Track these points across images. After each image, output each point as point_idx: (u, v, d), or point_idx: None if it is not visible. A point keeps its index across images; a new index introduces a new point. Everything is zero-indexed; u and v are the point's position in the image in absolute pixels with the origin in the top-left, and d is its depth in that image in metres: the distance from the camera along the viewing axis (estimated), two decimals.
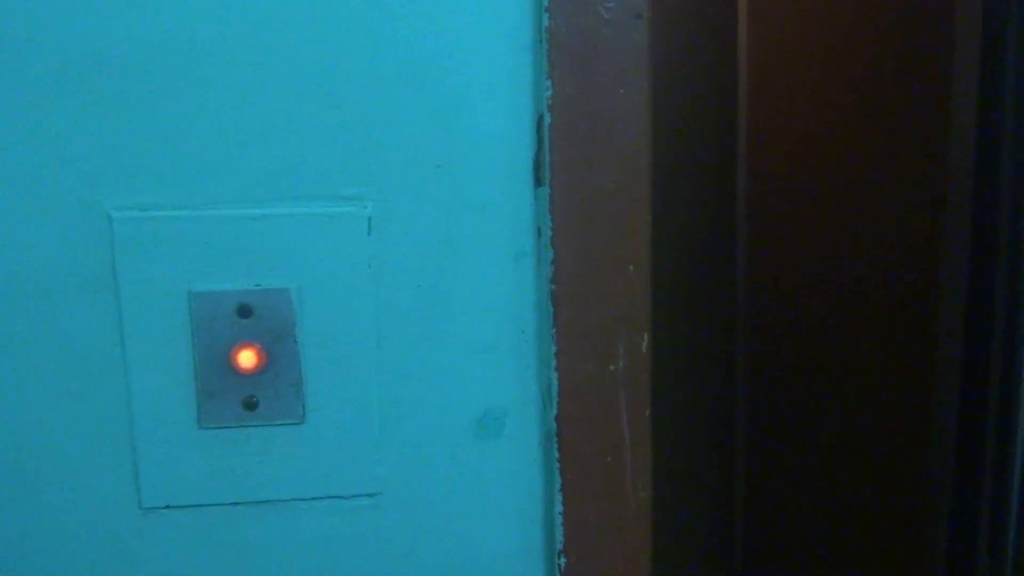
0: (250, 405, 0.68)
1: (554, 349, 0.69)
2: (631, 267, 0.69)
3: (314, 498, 0.71)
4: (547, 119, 0.67)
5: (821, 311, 2.14)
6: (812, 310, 2.17)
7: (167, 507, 0.70)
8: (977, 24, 1.55)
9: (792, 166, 2.17)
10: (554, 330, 0.69)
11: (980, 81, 1.59)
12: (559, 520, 0.72)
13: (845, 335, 2.08)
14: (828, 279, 2.11)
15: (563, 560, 0.72)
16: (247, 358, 0.68)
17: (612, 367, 0.70)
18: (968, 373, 1.71)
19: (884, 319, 1.97)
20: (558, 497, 0.71)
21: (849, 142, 2.00)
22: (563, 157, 0.67)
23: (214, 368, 0.68)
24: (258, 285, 0.67)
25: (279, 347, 0.68)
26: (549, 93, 0.66)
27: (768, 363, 2.33)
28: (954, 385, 1.75)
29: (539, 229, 0.69)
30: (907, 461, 1.94)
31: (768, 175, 2.24)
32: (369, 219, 0.67)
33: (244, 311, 0.67)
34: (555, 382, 0.70)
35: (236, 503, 0.70)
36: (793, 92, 2.13)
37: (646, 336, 0.70)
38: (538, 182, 0.69)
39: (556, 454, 0.71)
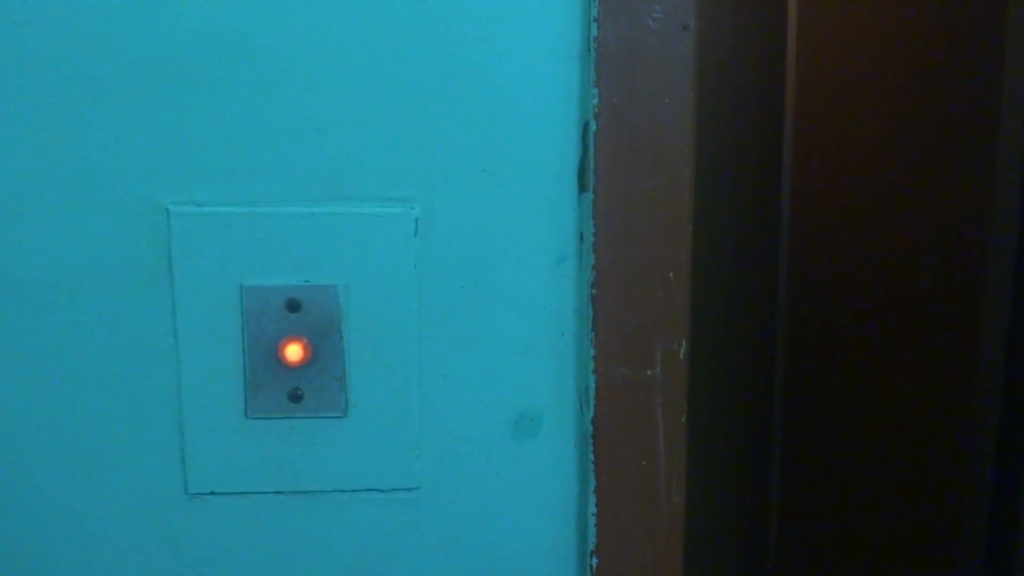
0: (295, 397, 0.70)
1: (592, 352, 0.70)
2: (671, 274, 0.70)
3: (354, 490, 0.73)
4: (593, 127, 0.68)
5: (862, 316, 2.13)
6: (852, 315, 2.15)
7: (212, 493, 0.72)
8: None
9: (837, 172, 2.15)
10: (593, 334, 0.70)
11: None
12: (592, 521, 0.73)
13: (885, 341, 2.07)
14: (870, 285, 2.09)
15: (595, 560, 0.73)
16: (294, 351, 0.70)
17: (649, 372, 0.71)
18: (1010, 380, 1.69)
19: (925, 327, 1.95)
20: (592, 498, 0.73)
21: (896, 149, 1.98)
22: (607, 164, 0.68)
23: (262, 360, 0.70)
24: (307, 281, 0.69)
25: (325, 342, 0.70)
26: (596, 101, 0.67)
27: (807, 368, 2.32)
28: (995, 392, 1.73)
29: (582, 234, 0.70)
30: (945, 469, 1.92)
31: (813, 181, 2.23)
32: (416, 220, 0.69)
33: (293, 306, 0.69)
34: (592, 385, 0.71)
35: (279, 492, 0.72)
36: (840, 98, 2.12)
37: (684, 342, 0.71)
38: (582, 188, 0.70)
39: (591, 456, 0.72)
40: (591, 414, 0.71)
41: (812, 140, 2.21)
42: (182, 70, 0.66)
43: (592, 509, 0.73)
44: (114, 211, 0.68)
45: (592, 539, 0.73)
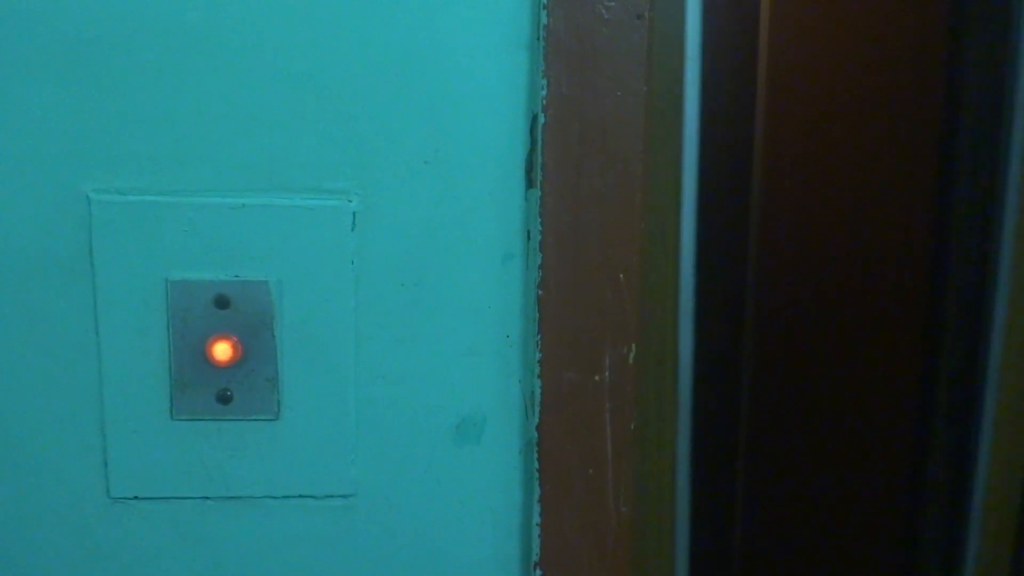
0: (224, 398, 0.67)
1: (538, 356, 0.67)
2: (621, 275, 0.67)
3: (286, 496, 0.69)
4: (541, 119, 0.64)
5: (826, 322, 2.12)
6: (817, 321, 2.15)
7: (136, 498, 0.68)
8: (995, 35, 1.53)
9: (808, 170, 2.15)
10: (539, 336, 0.67)
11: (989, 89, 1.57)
12: (536, 531, 0.70)
13: (848, 346, 2.07)
14: (840, 286, 2.09)
15: (539, 572, 0.70)
16: (223, 350, 0.66)
17: (597, 377, 0.68)
18: (967, 384, 1.69)
19: (886, 333, 1.95)
20: (536, 508, 0.69)
21: (866, 147, 1.98)
22: (556, 159, 0.65)
23: (189, 359, 0.66)
24: (237, 276, 0.65)
25: (256, 341, 0.66)
26: (544, 92, 0.64)
27: (774, 370, 2.31)
28: (955, 397, 1.73)
29: (528, 232, 0.67)
30: (906, 476, 1.92)
31: (783, 177, 2.22)
32: (353, 214, 0.66)
33: (222, 302, 0.65)
34: (538, 390, 0.68)
35: (207, 497, 0.69)
36: (812, 96, 2.11)
37: (634, 347, 0.68)
38: (530, 183, 0.66)
39: (536, 464, 0.69)
40: (536, 420, 0.68)
41: (782, 136, 2.20)
42: (106, 50, 0.62)
43: (536, 519, 0.70)
44: (31, 198, 0.64)
45: (536, 550, 0.70)
